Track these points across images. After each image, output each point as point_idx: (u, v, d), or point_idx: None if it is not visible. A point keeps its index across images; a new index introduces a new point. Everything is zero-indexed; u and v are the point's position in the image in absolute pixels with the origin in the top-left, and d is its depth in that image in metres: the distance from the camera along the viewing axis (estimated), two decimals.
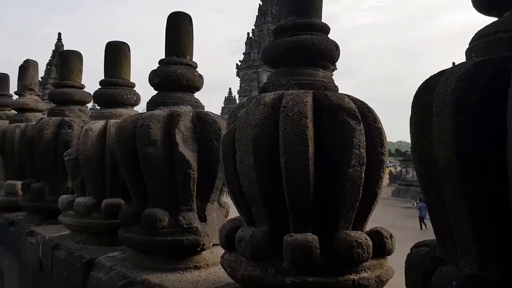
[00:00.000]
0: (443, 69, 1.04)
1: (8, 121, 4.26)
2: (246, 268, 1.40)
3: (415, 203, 18.32)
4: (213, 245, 2.06)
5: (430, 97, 0.99)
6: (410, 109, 1.08)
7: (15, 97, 4.59)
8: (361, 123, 1.36)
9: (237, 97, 31.39)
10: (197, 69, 2.39)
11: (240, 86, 28.64)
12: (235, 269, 1.45)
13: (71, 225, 2.56)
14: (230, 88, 36.95)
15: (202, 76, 2.39)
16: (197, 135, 2.07)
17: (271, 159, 1.37)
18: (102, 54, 2.87)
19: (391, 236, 1.43)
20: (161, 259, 1.95)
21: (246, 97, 1.64)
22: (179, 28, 2.31)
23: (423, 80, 1.08)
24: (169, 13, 2.34)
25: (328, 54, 1.56)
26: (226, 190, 1.67)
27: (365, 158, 1.34)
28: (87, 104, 3.78)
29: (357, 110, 1.38)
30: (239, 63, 28.98)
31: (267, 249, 1.37)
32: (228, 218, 1.68)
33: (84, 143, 2.55)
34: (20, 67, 4.30)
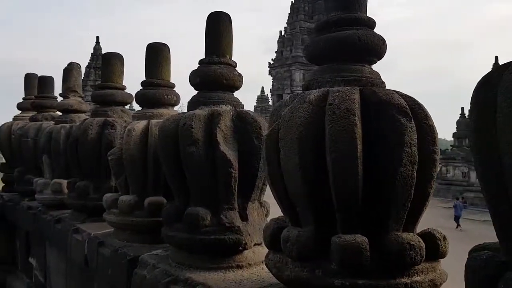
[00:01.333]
0: (506, 62, 0.98)
1: (53, 122, 4.43)
2: (293, 269, 1.37)
3: (461, 201, 17.88)
4: (255, 244, 2.05)
5: (493, 92, 0.93)
6: (470, 105, 1.03)
7: (59, 99, 4.76)
8: (412, 120, 1.31)
9: (269, 95, 31.37)
10: (236, 68, 2.39)
11: (273, 85, 28.58)
12: (280, 270, 1.43)
13: (115, 223, 2.63)
14: (262, 87, 36.99)
15: (242, 75, 2.39)
16: (238, 134, 2.07)
17: (317, 158, 1.34)
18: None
19: (444, 238, 1.36)
20: (204, 257, 1.96)
21: (288, 95, 1.62)
22: (218, 28, 2.32)
23: (483, 75, 1.02)
24: (209, 13, 2.35)
25: (374, 49, 1.51)
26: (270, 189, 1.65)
27: (417, 156, 1.29)
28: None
29: (407, 107, 1.33)
30: (271, 62, 28.92)
31: (314, 249, 1.34)
32: (271, 218, 1.66)
33: (127, 143, 2.61)
34: (64, 70, 4.46)
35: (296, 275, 1.35)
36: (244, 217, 2.02)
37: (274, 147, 1.49)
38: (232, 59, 2.37)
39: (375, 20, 1.57)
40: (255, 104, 36.09)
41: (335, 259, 1.27)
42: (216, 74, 2.25)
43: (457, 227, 14.91)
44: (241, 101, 2.35)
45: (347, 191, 1.28)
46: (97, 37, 29.90)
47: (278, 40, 28.87)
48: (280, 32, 29.07)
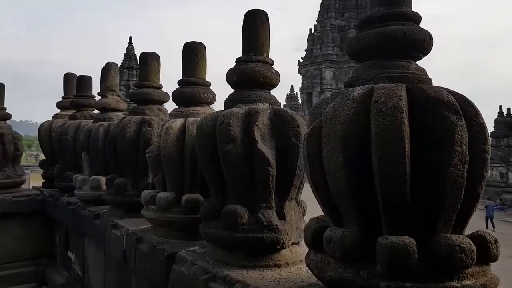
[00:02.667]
0: None
1: (91, 121, 4.56)
2: (336, 270, 1.35)
3: (494, 202, 17.28)
4: (292, 243, 2.04)
5: None
6: None
7: (97, 97, 4.90)
8: (463, 118, 1.26)
9: (298, 94, 31.18)
10: (273, 66, 2.38)
11: (302, 83, 28.40)
12: (323, 270, 1.41)
13: (153, 219, 2.67)
14: (292, 86, 36.78)
15: (279, 73, 2.38)
16: (275, 132, 2.06)
17: (361, 157, 1.31)
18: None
19: (495, 241, 1.31)
20: (242, 255, 1.96)
21: (330, 93, 1.59)
22: (256, 26, 2.31)
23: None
24: (246, 11, 2.35)
25: (420, 45, 1.46)
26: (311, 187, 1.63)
27: (468, 156, 1.24)
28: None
29: (457, 104, 1.28)
30: (301, 60, 28.73)
31: (358, 250, 1.31)
32: (310, 217, 1.64)
33: (165, 141, 2.65)
34: (102, 70, 4.58)
35: (340, 276, 1.32)
36: (281, 216, 2.00)
37: (316, 145, 1.47)
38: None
39: (421, 16, 1.52)
40: (284, 103, 35.96)
41: (381, 261, 1.24)
42: (253, 72, 2.24)
43: (487, 228, 14.42)
44: None
45: (394, 192, 1.25)
46: (130, 38, 30.61)
47: (308, 38, 28.63)
48: (310, 30, 28.82)
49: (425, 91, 1.30)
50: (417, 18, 1.50)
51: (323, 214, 1.57)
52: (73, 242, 4.51)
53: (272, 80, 2.31)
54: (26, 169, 5.86)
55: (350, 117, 1.34)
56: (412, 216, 1.28)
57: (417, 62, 1.51)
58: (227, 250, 2.02)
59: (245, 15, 2.34)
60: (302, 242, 2.11)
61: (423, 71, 1.48)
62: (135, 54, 30.09)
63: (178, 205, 2.56)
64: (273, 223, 1.93)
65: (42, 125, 5.56)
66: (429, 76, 1.48)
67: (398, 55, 1.46)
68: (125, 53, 30.33)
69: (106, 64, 4.60)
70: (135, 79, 28.55)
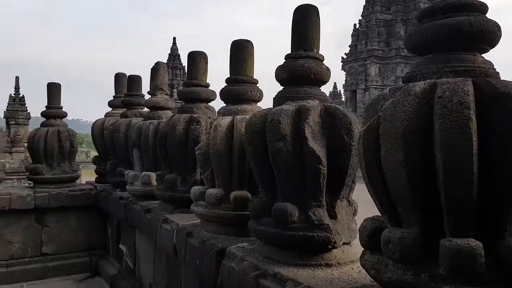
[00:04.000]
0: None
1: (142, 119, 4.72)
2: (394, 272, 1.31)
3: None
4: (343, 243, 2.00)
5: None
6: None
7: (146, 96, 5.06)
8: None
9: (342, 91, 30.61)
10: (324, 62, 2.34)
11: (346, 80, 27.84)
12: (380, 271, 1.37)
13: (202, 215, 2.72)
14: (335, 83, 36.20)
15: (329, 69, 2.33)
16: (326, 130, 2.02)
17: (423, 155, 1.26)
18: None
19: None
20: (292, 253, 1.95)
21: (388, 88, 1.53)
22: (306, 21, 2.28)
23: None
24: (296, 6, 2.33)
25: (488, 37, 1.37)
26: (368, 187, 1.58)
27: None
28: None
29: None
30: (345, 56, 28.18)
31: (419, 252, 1.26)
32: (365, 217, 1.59)
33: (213, 138, 2.69)
34: (152, 69, 4.71)
35: (399, 278, 1.28)
36: (332, 215, 1.97)
37: (372, 143, 1.43)
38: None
39: (487, 5, 1.43)
40: None
41: (444, 264, 1.18)
42: (303, 68, 2.21)
43: None
44: None
45: (459, 192, 1.18)
46: (174, 38, 31.30)
47: (352, 34, 27.99)
48: (355, 25, 28.17)
49: (494, 86, 1.22)
50: (483, 8, 1.41)
51: (376, 214, 1.53)
52: (125, 235, 4.69)
53: (322, 77, 2.27)
54: (79, 165, 6.17)
55: (411, 113, 1.28)
56: (478, 217, 1.21)
57: (483, 55, 1.42)
58: (277, 248, 2.02)
59: (295, 10, 2.32)
60: (353, 242, 2.07)
61: (490, 64, 1.39)
62: (179, 54, 30.81)
63: (226, 201, 2.59)
64: (324, 222, 1.90)
65: (95, 123, 5.81)
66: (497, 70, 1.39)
67: (463, 47, 1.38)
68: (169, 53, 31.08)
69: (156, 63, 4.73)
70: (179, 78, 29.25)
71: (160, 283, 3.44)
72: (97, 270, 5.34)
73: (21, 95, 22.94)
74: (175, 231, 2.93)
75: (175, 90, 27.50)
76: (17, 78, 23.75)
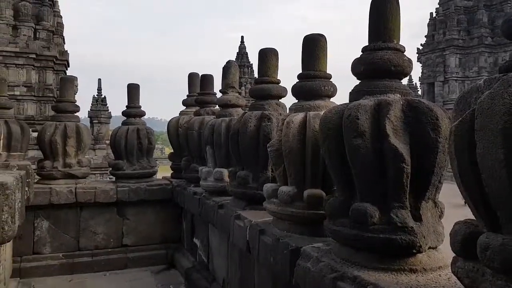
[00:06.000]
0: None
1: (214, 116, 4.83)
2: (494, 282, 1.17)
3: None
4: (429, 248, 1.85)
5: None
6: None
7: (218, 94, 5.16)
8: None
9: (418, 84, 28.97)
10: (405, 53, 2.19)
11: (422, 72, 26.28)
12: (476, 281, 1.24)
13: (275, 212, 2.70)
14: (410, 76, 34.39)
15: (411, 60, 2.18)
16: (409, 125, 1.88)
17: None
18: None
19: None
20: (372, 256, 1.85)
21: (482, 80, 1.38)
22: (385, 10, 2.15)
23: None
24: None
25: None
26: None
27: None
28: None
29: None
30: (421, 47, 26.61)
31: None
32: (457, 220, 1.45)
33: (286, 135, 2.65)
34: (223, 68, 4.80)
35: None
36: (417, 217, 1.83)
37: (466, 140, 1.30)
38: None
39: None
40: None
41: None
42: (383, 60, 2.09)
43: None
44: None
45: None
46: (242, 37, 31.71)
47: (428, 23, 26.32)
48: (431, 14, 26.46)
49: None
50: None
51: (457, 217, 1.39)
52: (199, 229, 4.84)
53: (404, 69, 2.13)
54: (156, 160, 6.52)
55: None
56: None
57: None
58: (355, 250, 1.93)
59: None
60: (440, 247, 1.92)
61: None
62: (247, 52, 31.20)
63: (300, 199, 2.54)
64: (408, 224, 1.78)
65: (170, 121, 6.07)
66: None
67: None
68: (237, 52, 31.59)
69: (227, 62, 4.81)
70: (247, 76, 29.65)
71: (233, 279, 3.49)
72: (173, 263, 5.58)
73: (103, 96, 24.81)
74: (248, 227, 2.94)
75: (243, 87, 27.95)
76: (99, 80, 25.72)
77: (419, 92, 27.92)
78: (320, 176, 2.61)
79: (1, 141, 5.16)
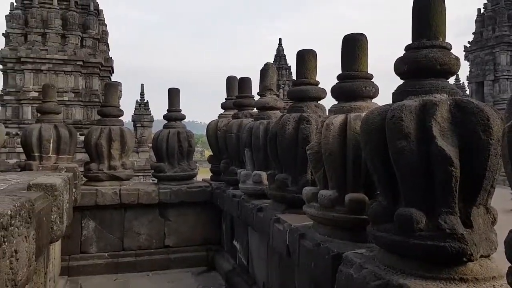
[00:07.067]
0: None
1: (252, 119, 4.83)
2: None
3: None
4: (481, 256, 1.74)
5: None
6: None
7: (256, 97, 5.16)
8: None
9: (465, 83, 27.70)
10: (452, 51, 2.08)
11: (470, 71, 25.06)
12: None
13: (315, 217, 2.65)
14: (457, 75, 32.95)
15: (459, 58, 2.07)
16: (457, 127, 1.79)
17: None
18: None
19: None
20: (418, 264, 1.76)
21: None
22: (429, 6, 2.05)
23: None
24: None
25: None
26: None
27: None
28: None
29: None
30: (468, 45, 25.42)
31: None
32: (500, 227, 1.35)
33: (325, 137, 2.60)
34: (261, 70, 4.80)
35: None
36: (467, 224, 1.73)
37: None
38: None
39: None
40: None
41: None
42: (427, 59, 2.00)
43: None
44: None
45: None
46: (280, 39, 31.58)
47: (476, 20, 25.07)
48: (479, 10, 25.22)
49: None
50: None
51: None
52: (238, 232, 4.85)
53: (451, 67, 2.02)
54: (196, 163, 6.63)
55: None
56: None
57: None
58: (400, 257, 1.84)
59: None
60: (493, 256, 1.80)
61: None
62: (285, 54, 31.09)
63: (341, 204, 2.48)
64: (458, 231, 1.68)
65: (209, 124, 6.14)
66: None
67: None
68: (275, 54, 31.53)
69: (265, 64, 4.80)
70: (285, 79, 29.55)
71: (274, 283, 3.46)
72: (213, 265, 5.62)
73: (145, 101, 25.58)
74: (288, 231, 2.91)
75: (281, 90, 27.89)
76: (142, 85, 26.56)
77: (467, 92, 26.64)
78: (363, 180, 2.53)
79: (51, 144, 5.43)
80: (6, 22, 16.46)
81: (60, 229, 3.24)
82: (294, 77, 4.07)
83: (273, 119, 4.14)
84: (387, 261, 1.90)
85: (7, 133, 13.96)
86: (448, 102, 1.84)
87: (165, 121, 6.29)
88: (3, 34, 16.42)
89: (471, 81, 24.92)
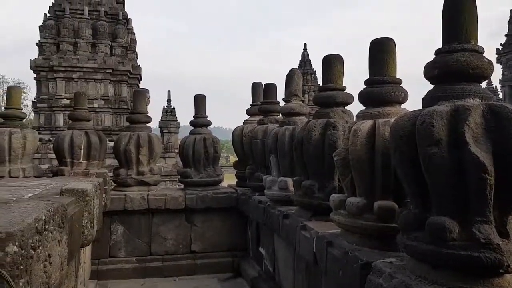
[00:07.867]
0: None
1: (277, 125, 4.82)
2: None
3: None
4: None
5: None
6: None
7: (281, 103, 5.15)
8: None
9: (498, 87, 26.81)
10: (484, 54, 2.02)
11: (503, 74, 24.23)
12: None
13: (343, 224, 2.61)
14: (490, 78, 31.89)
15: (491, 62, 2.01)
16: (491, 132, 1.73)
17: None
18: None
19: None
20: (451, 274, 1.71)
21: None
22: (460, 9, 2.00)
23: None
24: None
25: None
26: None
27: None
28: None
29: None
30: (500, 48, 24.62)
31: None
32: None
33: (353, 143, 2.56)
34: (286, 76, 4.79)
35: None
36: (503, 234, 1.66)
37: None
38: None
39: None
40: None
41: None
42: (459, 63, 1.94)
43: None
44: None
45: None
46: (305, 44, 31.52)
47: (508, 21, 24.28)
48: (511, 11, 24.43)
49: None
50: None
51: None
52: (264, 238, 4.84)
53: (483, 71, 1.96)
54: (221, 168, 6.68)
55: None
56: None
57: None
58: (432, 267, 1.79)
59: None
60: None
61: None
62: (310, 60, 30.97)
63: (369, 211, 2.43)
64: (493, 241, 1.61)
65: (235, 130, 6.17)
66: None
67: None
68: (300, 60, 31.46)
69: (290, 70, 4.79)
70: (310, 84, 29.40)
71: None
72: (239, 271, 5.62)
73: (172, 107, 26.00)
74: (315, 239, 2.87)
75: (306, 95, 27.77)
76: (169, 92, 27.01)
77: (500, 95, 25.74)
78: (392, 187, 2.48)
79: (82, 150, 5.58)
80: (40, 32, 17.16)
81: (91, 233, 3.32)
82: (319, 82, 4.06)
83: (298, 125, 4.12)
84: (418, 271, 1.84)
85: (40, 139, 14.47)
86: (481, 107, 1.78)
87: (191, 127, 6.36)
88: (36, 44, 17.11)
89: (504, 85, 24.10)
